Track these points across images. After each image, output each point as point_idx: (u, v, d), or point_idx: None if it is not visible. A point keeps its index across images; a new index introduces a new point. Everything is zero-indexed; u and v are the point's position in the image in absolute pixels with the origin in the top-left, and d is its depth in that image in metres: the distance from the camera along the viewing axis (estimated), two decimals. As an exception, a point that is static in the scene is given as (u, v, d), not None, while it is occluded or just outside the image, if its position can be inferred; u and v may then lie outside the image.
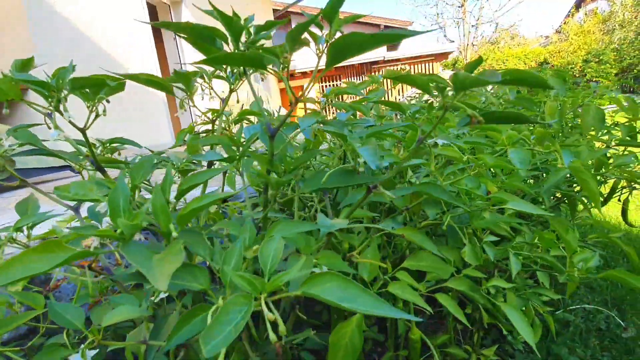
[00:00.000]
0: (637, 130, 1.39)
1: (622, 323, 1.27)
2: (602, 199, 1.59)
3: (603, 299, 1.46)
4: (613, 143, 1.34)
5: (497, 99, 1.21)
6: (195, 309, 0.24)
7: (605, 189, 1.56)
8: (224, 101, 0.56)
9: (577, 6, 17.23)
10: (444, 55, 12.69)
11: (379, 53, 13.23)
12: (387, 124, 0.46)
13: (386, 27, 14.08)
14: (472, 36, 12.98)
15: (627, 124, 1.42)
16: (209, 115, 0.63)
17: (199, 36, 0.38)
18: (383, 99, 0.75)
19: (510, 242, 0.82)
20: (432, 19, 14.12)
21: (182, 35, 0.39)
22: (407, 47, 16.22)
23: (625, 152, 1.24)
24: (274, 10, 12.20)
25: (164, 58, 5.08)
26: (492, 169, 1.12)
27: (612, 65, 10.79)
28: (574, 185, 1.08)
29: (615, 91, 1.15)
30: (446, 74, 11.27)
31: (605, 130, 1.46)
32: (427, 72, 12.45)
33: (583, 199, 1.53)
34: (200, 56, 0.38)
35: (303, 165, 0.47)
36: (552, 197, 1.23)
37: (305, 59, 12.95)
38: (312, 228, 0.35)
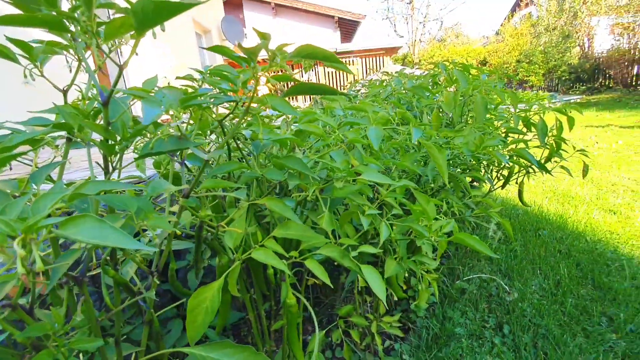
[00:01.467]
0: (529, 119, 1.57)
1: (507, 289, 1.46)
2: (502, 182, 1.78)
3: (499, 268, 1.65)
4: (503, 130, 1.50)
5: (400, 88, 1.30)
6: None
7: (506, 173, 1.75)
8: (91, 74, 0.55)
9: (513, 10, 18.67)
10: (394, 49, 13.10)
11: (332, 44, 13.31)
12: (211, 95, 0.49)
13: (340, 18, 14.18)
14: (419, 33, 13.55)
15: (522, 115, 1.61)
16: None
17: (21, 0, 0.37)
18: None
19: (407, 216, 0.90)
20: (383, 13, 14.50)
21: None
22: (360, 40, 16.52)
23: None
24: (224, -6, 11.72)
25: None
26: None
27: (540, 66, 11.89)
28: (461, 166, 1.20)
29: (500, 83, 1.29)
30: (395, 68, 11.66)
31: (504, 120, 1.63)
32: (378, 65, 12.80)
33: (486, 179, 1.71)
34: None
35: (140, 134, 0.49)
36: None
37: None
38: (121, 187, 0.38)
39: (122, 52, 4.51)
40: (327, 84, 12.64)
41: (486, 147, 0.96)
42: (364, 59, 12.74)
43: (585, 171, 1.65)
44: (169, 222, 0.48)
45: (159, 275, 0.61)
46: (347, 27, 15.21)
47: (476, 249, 0.69)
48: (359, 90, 2.33)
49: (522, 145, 1.62)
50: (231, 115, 0.74)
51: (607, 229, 1.99)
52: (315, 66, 12.53)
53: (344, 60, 13.62)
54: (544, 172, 1.50)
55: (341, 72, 12.46)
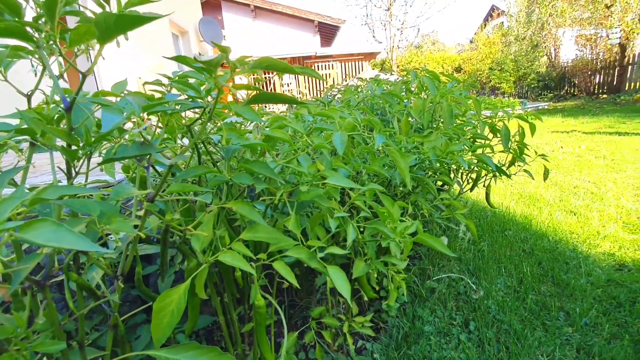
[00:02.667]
0: (494, 125, 1.65)
1: (474, 287, 1.52)
2: (470, 185, 1.85)
3: (467, 268, 1.72)
4: (469, 135, 1.57)
5: (371, 94, 1.35)
6: None
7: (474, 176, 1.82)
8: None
9: (486, 20, 19.45)
10: (373, 55, 13.35)
11: (312, 48, 13.41)
12: (175, 99, 0.51)
13: (320, 23, 14.29)
14: (397, 39, 13.88)
15: (489, 121, 1.69)
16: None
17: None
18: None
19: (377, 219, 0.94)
20: (362, 19, 14.76)
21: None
22: (339, 45, 16.71)
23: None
24: (203, -5, 11.59)
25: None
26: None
27: (510, 74, 12.41)
28: (430, 170, 1.26)
29: (465, 91, 1.36)
30: (373, 73, 11.88)
31: (472, 126, 1.70)
32: (358, 70, 13.00)
33: (456, 184, 1.78)
34: None
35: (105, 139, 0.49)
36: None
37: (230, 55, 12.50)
38: (82, 192, 0.38)
39: (90, 56, 4.39)
40: (308, 88, 12.69)
41: (451, 152, 1.01)
42: (343, 64, 12.91)
43: (545, 175, 1.75)
44: (134, 226, 0.49)
45: (130, 282, 0.61)
46: (327, 32, 15.37)
47: (436, 248, 0.74)
48: (335, 96, 2.37)
49: (487, 150, 1.71)
50: (201, 121, 0.75)
51: (567, 229, 2.11)
52: (295, 70, 12.54)
53: (323, 64, 13.71)
54: (508, 176, 1.59)
55: (322, 76, 12.58)
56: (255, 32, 13.73)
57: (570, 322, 1.31)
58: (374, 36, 14.51)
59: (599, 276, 1.57)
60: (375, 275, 1.12)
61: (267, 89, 12.09)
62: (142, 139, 0.42)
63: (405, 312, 1.40)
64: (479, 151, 1.34)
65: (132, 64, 5.48)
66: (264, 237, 0.66)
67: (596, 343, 1.18)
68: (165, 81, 0.68)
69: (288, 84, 12.42)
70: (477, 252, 1.86)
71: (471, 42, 18.16)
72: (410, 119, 1.60)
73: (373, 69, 13.33)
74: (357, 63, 13.11)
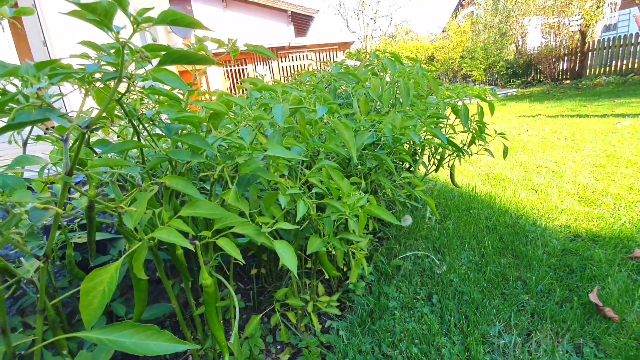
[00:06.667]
0: (455, 105, 1.68)
1: (438, 263, 1.56)
2: (435, 165, 1.88)
3: (433, 246, 1.76)
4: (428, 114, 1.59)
5: (329, 74, 1.34)
6: None
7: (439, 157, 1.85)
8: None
9: (457, 9, 19.77)
10: (347, 44, 13.31)
11: (286, 39, 13.22)
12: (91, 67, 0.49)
13: (293, 12, 14.08)
14: (371, 29, 13.90)
15: (450, 102, 1.71)
16: None
17: None
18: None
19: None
20: (335, 8, 14.67)
21: None
22: (314, 35, 16.57)
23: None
24: (169, -15, 11.12)
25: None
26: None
27: (481, 62, 12.70)
28: (387, 149, 1.27)
29: (419, 69, 1.38)
30: (349, 63, 11.82)
31: (434, 107, 1.71)
32: (332, 60, 12.93)
33: (423, 162, 1.80)
34: None
35: None
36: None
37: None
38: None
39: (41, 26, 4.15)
40: (281, 77, 12.51)
41: (405, 128, 1.02)
42: (318, 54, 12.81)
43: (505, 152, 1.80)
44: (54, 203, 0.47)
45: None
46: (301, 22, 15.17)
47: (383, 218, 0.74)
48: (301, 82, 2.34)
49: (450, 131, 1.74)
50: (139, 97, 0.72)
51: (529, 205, 2.20)
52: (269, 61, 12.38)
53: (297, 54, 13.54)
54: (466, 152, 1.63)
55: (296, 67, 12.48)
56: (227, 23, 13.38)
57: (526, 290, 1.37)
58: (347, 26, 14.47)
59: (555, 246, 1.65)
60: (342, 256, 1.13)
61: (238, 79, 11.85)
62: (40, 102, 0.39)
63: (372, 290, 1.42)
64: (441, 126, 1.36)
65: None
66: (205, 213, 0.64)
67: (549, 307, 1.24)
68: (93, 54, 0.64)
69: (263, 76, 12.22)
70: (442, 230, 1.91)
71: (443, 31, 18.44)
72: (377, 104, 1.60)
73: (348, 58, 13.28)
74: (331, 53, 13.04)
